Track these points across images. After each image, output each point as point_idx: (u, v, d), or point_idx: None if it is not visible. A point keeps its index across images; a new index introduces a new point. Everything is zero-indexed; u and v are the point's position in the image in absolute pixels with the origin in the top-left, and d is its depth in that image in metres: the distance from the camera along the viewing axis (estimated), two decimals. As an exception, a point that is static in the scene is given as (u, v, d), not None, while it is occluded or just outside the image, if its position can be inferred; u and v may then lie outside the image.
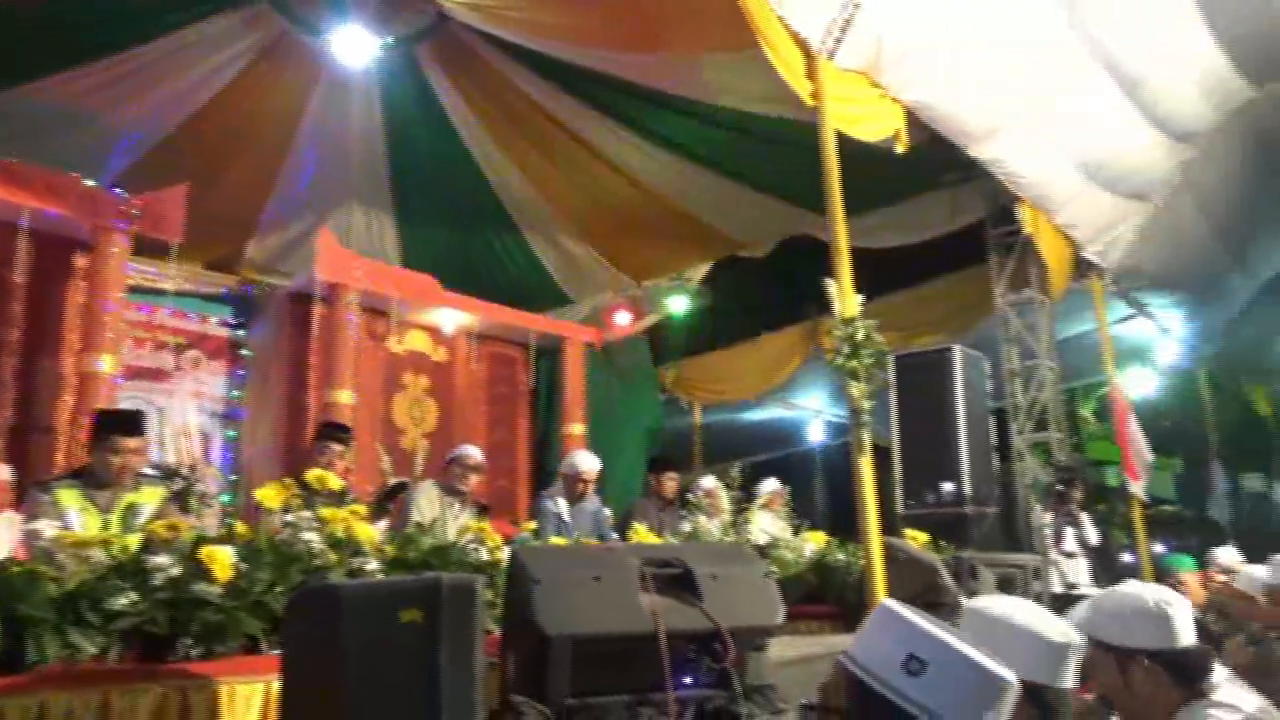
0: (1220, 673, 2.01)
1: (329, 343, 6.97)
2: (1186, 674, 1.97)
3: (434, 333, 8.03)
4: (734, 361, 9.88)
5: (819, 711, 1.31)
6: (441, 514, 3.68)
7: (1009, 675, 1.20)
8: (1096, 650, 2.04)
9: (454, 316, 7.97)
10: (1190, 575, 5.38)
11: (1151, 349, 10.79)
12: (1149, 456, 7.81)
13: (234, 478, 7.12)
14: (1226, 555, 6.14)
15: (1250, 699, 1.97)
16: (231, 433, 7.34)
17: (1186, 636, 1.99)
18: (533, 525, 4.21)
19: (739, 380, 9.92)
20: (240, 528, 2.58)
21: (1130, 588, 2.15)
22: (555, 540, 4.41)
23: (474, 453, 4.68)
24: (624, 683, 2.33)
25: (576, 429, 8.30)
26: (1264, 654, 3.62)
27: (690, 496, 4.58)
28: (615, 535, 4.95)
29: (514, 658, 2.38)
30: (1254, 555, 5.57)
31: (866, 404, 3.84)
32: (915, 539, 5.14)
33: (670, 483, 5.59)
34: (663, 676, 2.27)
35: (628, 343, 9.24)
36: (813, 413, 12.28)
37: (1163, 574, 5.92)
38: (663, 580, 2.41)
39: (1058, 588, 6.14)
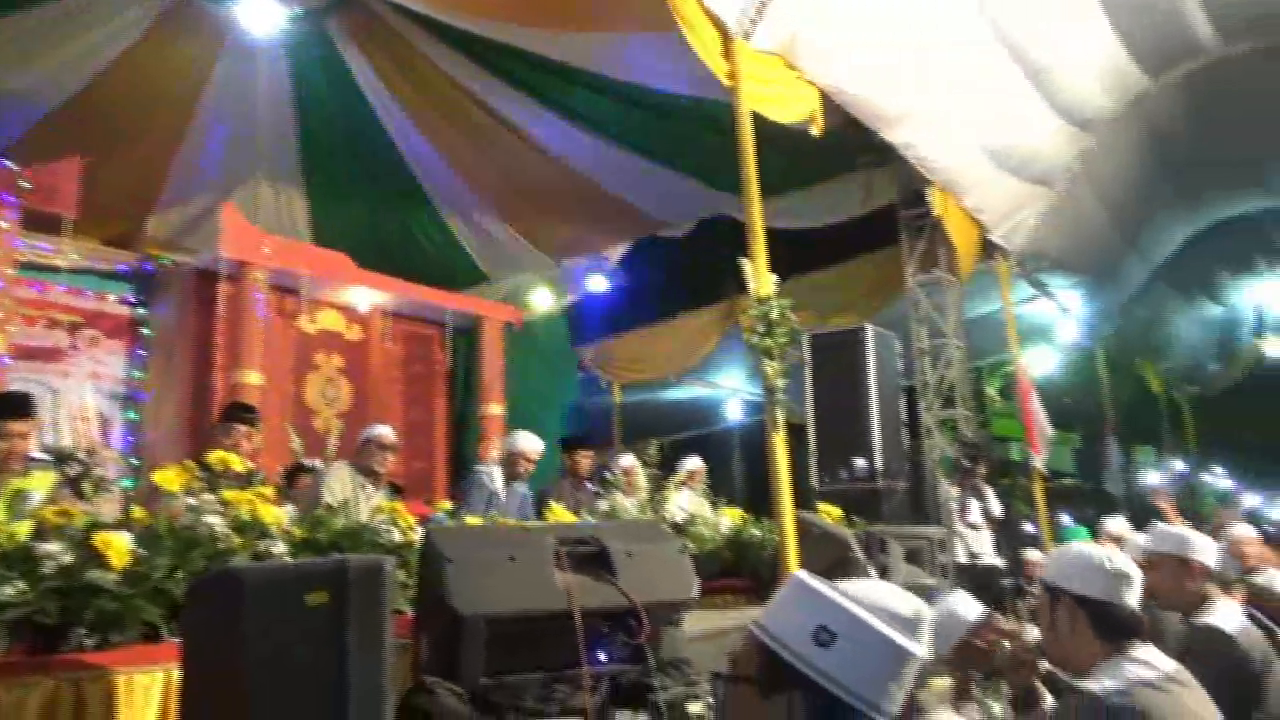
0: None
1: (236, 322, 6.75)
2: (1110, 627, 2.06)
3: (347, 311, 7.85)
4: (652, 341, 9.93)
5: (728, 680, 1.33)
6: (354, 495, 3.62)
7: (915, 647, 1.23)
8: (1043, 589, 2.20)
9: (368, 295, 7.80)
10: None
11: (1052, 328, 11.23)
12: (1049, 431, 8.15)
13: (136, 462, 6.85)
14: (1115, 525, 6.46)
15: (1168, 662, 2.07)
16: (133, 415, 7.06)
17: (1121, 595, 2.09)
18: (448, 505, 4.17)
19: (658, 359, 9.99)
20: (138, 512, 2.49)
21: (1096, 547, 2.28)
22: (479, 516, 4.37)
23: (388, 432, 4.60)
24: (539, 661, 2.33)
25: (495, 409, 8.24)
26: (1149, 619, 3.81)
27: (607, 475, 4.60)
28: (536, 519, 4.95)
29: (427, 638, 2.36)
30: (1144, 525, 5.88)
31: (781, 382, 3.90)
32: (829, 514, 5.25)
33: (585, 460, 5.60)
34: (578, 653, 2.28)
35: (546, 322, 9.20)
36: (730, 391, 12.44)
37: (1060, 544, 6.19)
38: (578, 558, 2.42)
39: (962, 558, 6.37)
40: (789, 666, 1.21)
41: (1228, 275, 12.00)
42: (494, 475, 5.22)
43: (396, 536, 2.85)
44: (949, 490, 6.67)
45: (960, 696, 2.71)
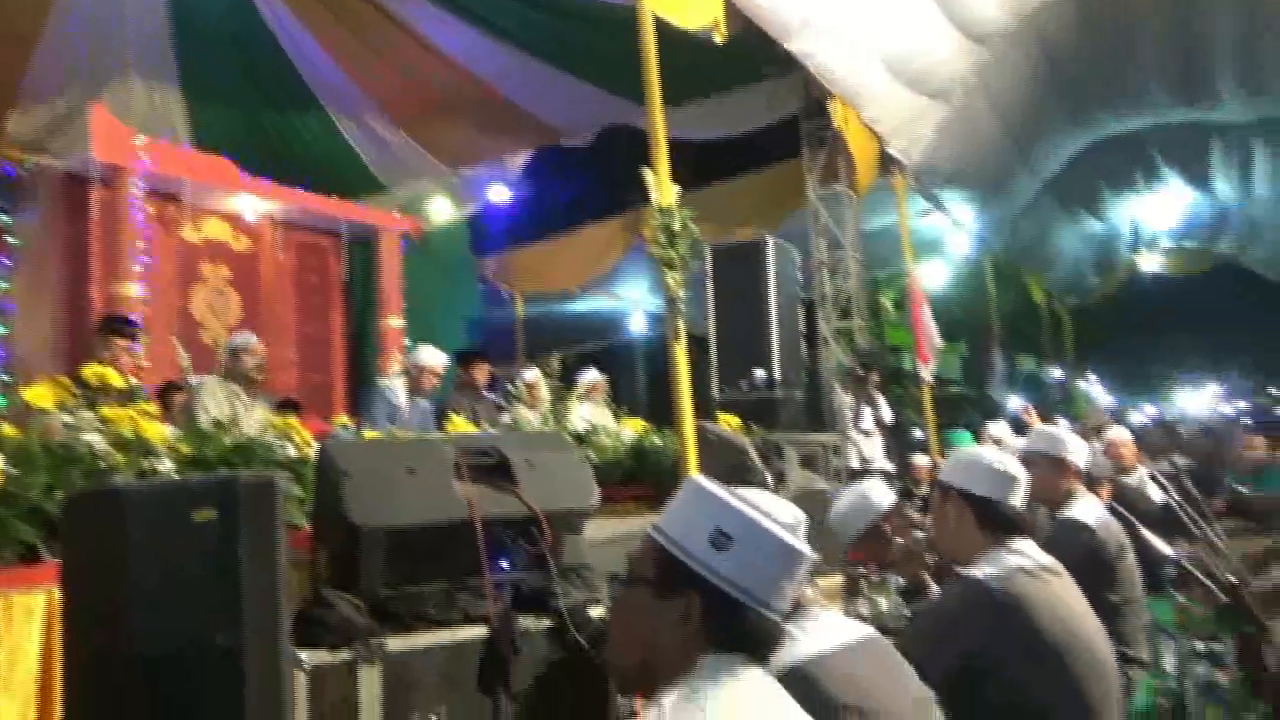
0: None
1: (111, 230, 6.36)
2: (993, 522, 2.23)
3: (234, 220, 7.48)
4: (555, 252, 9.83)
5: (625, 582, 1.36)
6: (232, 410, 3.50)
7: (806, 549, 1.28)
8: (936, 487, 2.37)
9: (255, 203, 7.44)
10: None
11: (945, 242, 11.57)
12: (938, 342, 8.45)
13: (6, 378, 6.48)
14: (996, 429, 6.81)
15: (1044, 555, 2.25)
16: (1, 329, 6.64)
17: (1007, 495, 2.24)
18: (345, 419, 4.09)
19: (561, 271, 9.91)
20: (8, 430, 2.36)
21: (992, 451, 2.43)
22: (381, 431, 4.31)
23: (253, 338, 4.46)
24: (441, 571, 2.33)
25: (395, 322, 8.06)
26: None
27: (510, 388, 4.58)
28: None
29: (325, 553, 2.34)
30: (1025, 429, 6.22)
31: (682, 293, 3.92)
32: (728, 423, 5.36)
33: (480, 372, 5.56)
34: (480, 562, 2.30)
35: (446, 233, 8.98)
36: (634, 304, 12.47)
37: (946, 448, 6.51)
38: (478, 469, 2.41)
39: (855, 463, 6.63)
40: (686, 569, 1.24)
41: (1109, 191, 12.49)
42: (396, 390, 5.14)
43: (291, 451, 2.79)
44: (844, 398, 6.89)
45: (850, 593, 2.86)
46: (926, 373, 8.25)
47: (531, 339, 10.40)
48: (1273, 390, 19.28)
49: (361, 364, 8.05)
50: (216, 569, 1.58)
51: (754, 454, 4.04)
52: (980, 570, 2.14)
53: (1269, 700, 1.95)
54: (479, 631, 2.26)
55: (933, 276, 12.65)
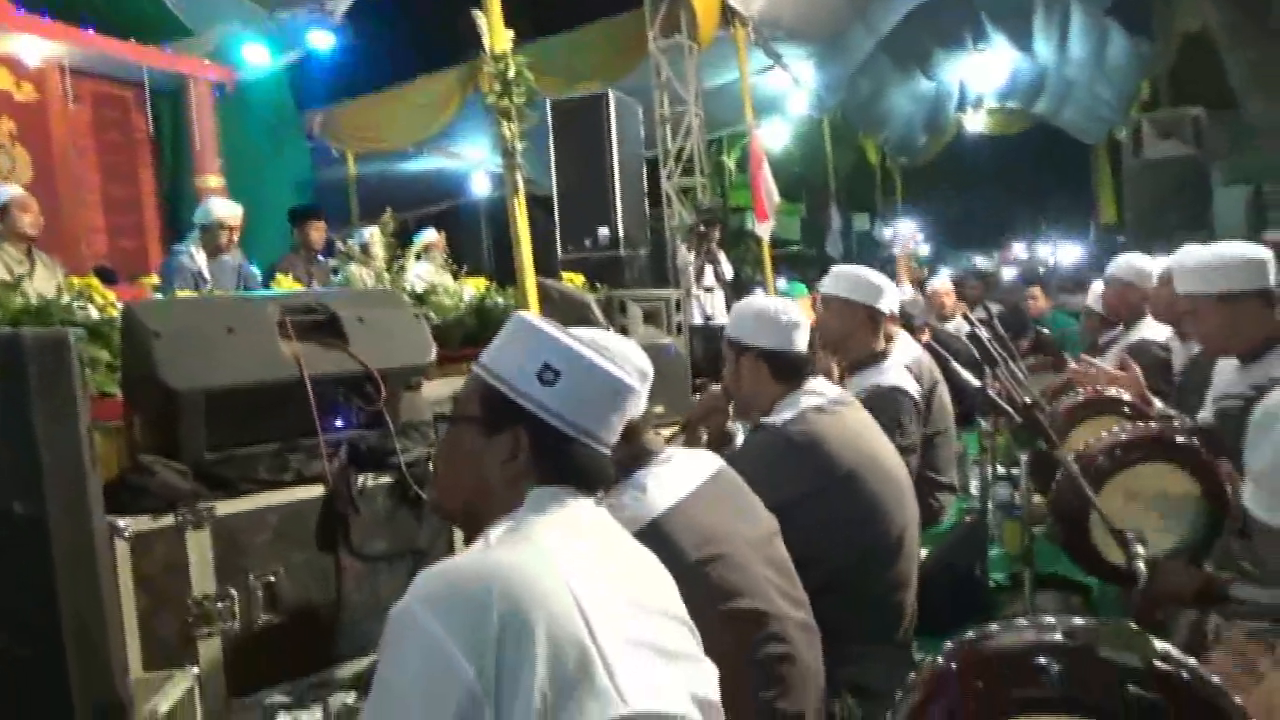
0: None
1: None
2: (786, 371, 2.33)
3: (13, 65, 6.61)
4: (388, 106, 9.25)
5: (451, 421, 1.34)
6: (10, 271, 3.18)
7: (633, 381, 1.28)
8: (726, 345, 2.43)
9: (37, 45, 6.59)
10: (803, 299, 6.18)
11: (785, 100, 11.64)
12: (777, 199, 8.61)
13: None
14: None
15: (834, 389, 2.39)
16: None
17: (794, 342, 2.34)
18: (154, 279, 3.80)
19: (394, 127, 9.36)
20: None
21: (762, 297, 2.49)
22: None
23: (18, 191, 4.07)
24: (270, 432, 2.24)
25: (213, 181, 7.46)
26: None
27: (341, 246, 4.36)
28: (264, 292, 4.64)
29: (140, 419, 2.20)
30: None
31: (520, 145, 3.78)
32: (572, 281, 5.33)
33: (315, 233, 5.28)
34: (312, 421, 2.22)
35: (264, 84, 8.27)
36: (475, 164, 12.04)
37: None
38: (305, 326, 2.30)
39: (698, 319, 6.78)
40: (513, 404, 1.23)
41: (940, 51, 12.81)
42: (194, 254, 4.79)
43: (93, 314, 2.57)
44: (686, 256, 6.97)
45: (689, 445, 2.97)
46: (765, 231, 8.43)
47: (367, 200, 9.88)
48: (1071, 243, 20.86)
49: (178, 228, 7.47)
50: (7, 433, 1.45)
51: (597, 310, 4.04)
52: (778, 417, 2.28)
53: (1053, 511, 2.17)
54: (315, 491, 2.21)
55: (773, 136, 12.78)
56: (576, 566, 1.13)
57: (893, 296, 3.35)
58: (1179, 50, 10.11)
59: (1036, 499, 2.48)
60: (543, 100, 6.66)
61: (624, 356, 1.80)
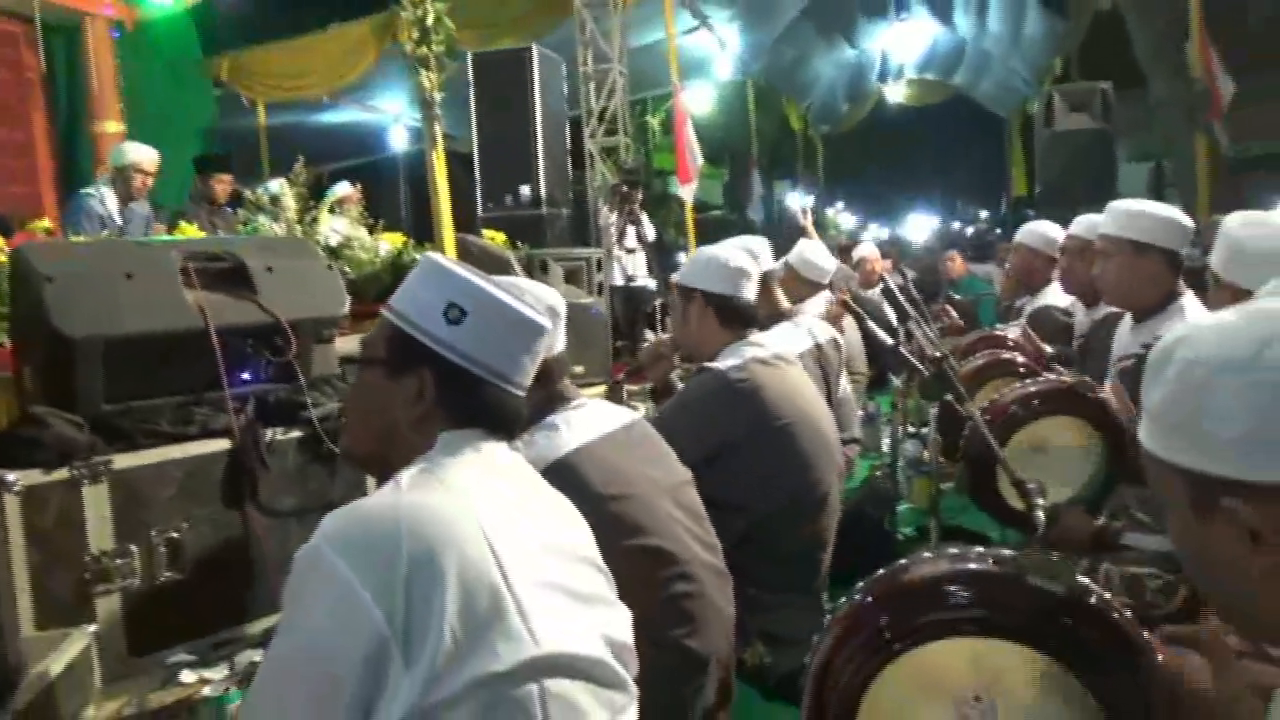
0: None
1: None
2: (732, 317, 2.38)
3: (-112, -5, 6.16)
4: (300, 54, 8.89)
5: (360, 364, 1.31)
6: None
7: (543, 320, 1.26)
8: (676, 289, 2.47)
9: (-86, -26, 6.14)
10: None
11: (711, 63, 11.61)
12: (700, 161, 8.59)
13: None
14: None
15: (778, 345, 2.48)
16: None
17: (742, 290, 2.36)
18: (45, 223, 3.59)
19: (308, 76, 9.01)
20: None
21: (724, 247, 2.50)
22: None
23: None
24: (173, 384, 2.16)
25: (111, 126, 7.09)
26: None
27: (249, 195, 4.19)
28: (167, 242, 4.42)
29: (31, 369, 2.09)
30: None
31: (439, 95, 3.69)
32: (493, 239, 5.25)
33: (221, 185, 5.07)
34: (217, 374, 2.14)
35: (168, 25, 7.86)
36: (394, 117, 11.72)
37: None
38: (211, 274, 2.21)
39: (619, 280, 6.76)
40: (419, 345, 1.20)
41: (864, 19, 12.92)
42: (104, 197, 4.55)
43: (-20, 260, 2.42)
44: (608, 216, 6.92)
45: (613, 400, 2.98)
46: (688, 193, 8.41)
47: (278, 152, 9.52)
48: (984, 213, 21.47)
49: (74, 174, 7.09)
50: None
51: (517, 267, 4.00)
52: (723, 363, 2.30)
53: (964, 460, 2.25)
54: (222, 445, 2.14)
55: (698, 100, 12.76)
56: (490, 508, 1.11)
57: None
58: (1090, 28, 10.42)
59: (942, 459, 2.56)
60: (463, 53, 6.50)
61: (536, 297, 1.79)
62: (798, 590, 2.27)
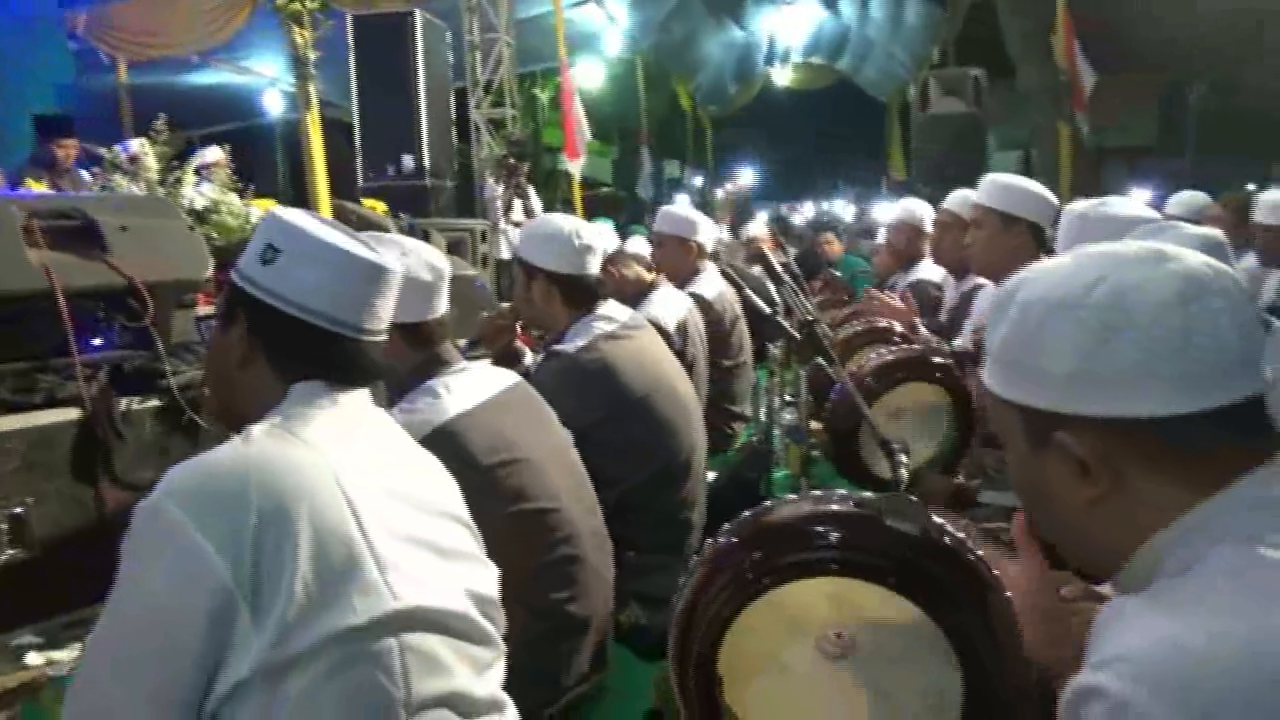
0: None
1: None
2: (578, 296, 2.33)
3: None
4: (166, 9, 8.39)
5: (211, 322, 1.26)
6: None
7: (373, 257, 1.21)
8: (517, 265, 2.41)
9: None
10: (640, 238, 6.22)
11: (600, 38, 11.54)
12: (588, 136, 8.56)
13: None
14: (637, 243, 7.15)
15: (626, 312, 2.47)
16: None
17: (587, 267, 2.34)
18: None
19: (174, 33, 8.51)
20: None
21: (557, 217, 2.46)
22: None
23: None
24: (16, 349, 2.02)
25: (-48, 80, 6.57)
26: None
27: (105, 153, 3.92)
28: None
29: None
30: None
31: (313, 55, 3.55)
32: (374, 209, 5.11)
33: (63, 150, 4.74)
34: (65, 339, 2.02)
35: (16, -27, 7.32)
36: (269, 81, 11.20)
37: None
38: (57, 233, 2.07)
39: (505, 254, 6.68)
40: (236, 289, 1.18)
41: (751, 1, 13.08)
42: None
43: None
44: (494, 188, 6.83)
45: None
46: (576, 168, 8.37)
47: (142, 114, 8.92)
48: (863, 194, 22.13)
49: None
50: None
51: (396, 233, 3.89)
52: (570, 344, 2.29)
53: (827, 427, 2.31)
54: (70, 415, 2.02)
55: (588, 76, 12.67)
56: (344, 460, 1.09)
57: (707, 231, 3.45)
58: (966, 17, 10.82)
59: (814, 424, 2.64)
60: (342, 14, 6.27)
61: (417, 254, 1.75)
62: (671, 552, 2.30)
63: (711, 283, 3.68)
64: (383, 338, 1.24)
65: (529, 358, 2.60)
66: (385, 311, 1.23)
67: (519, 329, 2.65)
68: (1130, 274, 0.80)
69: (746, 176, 22.25)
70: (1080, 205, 2.12)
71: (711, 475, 2.65)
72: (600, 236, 2.46)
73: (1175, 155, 10.07)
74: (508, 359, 2.57)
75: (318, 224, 1.20)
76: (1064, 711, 0.74)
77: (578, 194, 8.75)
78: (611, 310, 2.41)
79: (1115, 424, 0.80)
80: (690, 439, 2.40)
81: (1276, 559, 0.72)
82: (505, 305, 2.76)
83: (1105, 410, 0.80)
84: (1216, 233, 1.47)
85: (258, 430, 1.08)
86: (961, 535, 1.10)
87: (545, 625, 1.77)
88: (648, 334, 2.49)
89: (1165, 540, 0.80)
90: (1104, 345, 0.79)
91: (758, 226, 7.11)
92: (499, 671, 1.23)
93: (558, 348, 2.33)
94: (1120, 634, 0.74)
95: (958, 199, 3.40)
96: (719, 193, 18.90)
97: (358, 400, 1.20)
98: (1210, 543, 0.77)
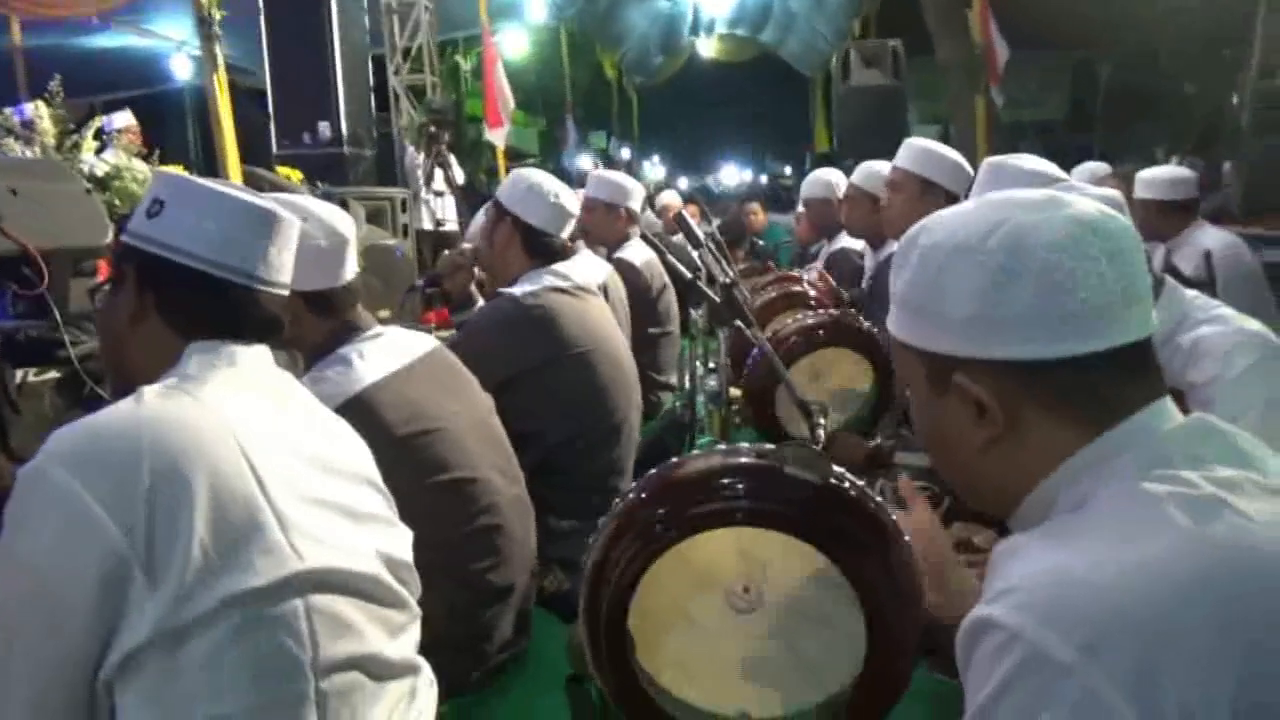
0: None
1: None
2: (538, 249, 2.36)
3: None
4: (61, -34, 7.96)
5: (109, 283, 1.22)
6: None
7: (259, 203, 1.18)
8: (492, 204, 2.42)
9: None
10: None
11: (524, 5, 11.34)
12: (511, 105, 8.43)
13: None
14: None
15: (585, 276, 2.47)
16: None
17: (559, 228, 2.38)
18: None
19: (70, -9, 8.08)
20: None
21: (544, 176, 2.44)
22: None
23: None
24: (-103, 320, 1.92)
25: None
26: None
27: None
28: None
29: None
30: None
31: (217, 15, 3.41)
32: (288, 177, 4.96)
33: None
34: (-51, 301, 1.92)
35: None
36: (176, 45, 10.74)
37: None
38: (-61, 196, 1.97)
39: (428, 224, 6.57)
40: (123, 245, 1.16)
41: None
42: None
43: None
44: (415, 157, 6.70)
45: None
46: (499, 138, 8.25)
47: (39, 79, 8.46)
48: (788, 167, 22.36)
49: None
50: None
51: (303, 198, 3.78)
52: (519, 289, 2.27)
53: (745, 389, 2.34)
54: (-40, 388, 1.92)
55: (512, 44, 12.47)
56: (246, 419, 1.06)
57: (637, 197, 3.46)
58: (887, -8, 10.93)
59: (734, 391, 2.66)
60: (253, -25, 6.05)
61: (318, 215, 1.70)
62: (596, 517, 2.29)
63: (638, 250, 3.67)
64: (283, 291, 1.21)
65: (480, 301, 2.58)
66: (281, 262, 1.19)
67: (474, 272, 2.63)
68: (1026, 217, 0.82)
69: (670, 148, 22.27)
70: (996, 158, 2.18)
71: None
72: (576, 205, 2.45)
73: (1086, 130, 10.39)
74: (462, 299, 2.55)
75: (209, 180, 1.17)
76: (960, 645, 0.76)
77: (502, 163, 8.63)
78: (568, 269, 2.39)
79: (1011, 366, 0.82)
80: (625, 404, 2.40)
81: (1158, 492, 0.75)
82: (467, 246, 2.73)
83: (1002, 353, 0.82)
84: (1115, 193, 1.52)
85: (150, 390, 1.04)
86: (862, 484, 1.13)
87: (467, 594, 1.76)
88: (596, 299, 2.49)
89: (1059, 479, 0.83)
90: (1001, 288, 0.81)
91: (670, 196, 7.13)
92: (413, 634, 1.22)
93: (505, 290, 2.31)
94: (1012, 568, 0.76)
95: (863, 173, 3.46)
96: (645, 164, 18.88)
97: (259, 358, 1.17)
98: (1101, 481, 0.79)
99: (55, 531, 0.92)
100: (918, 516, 1.11)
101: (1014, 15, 8.05)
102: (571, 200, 2.42)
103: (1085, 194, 1.60)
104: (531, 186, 2.37)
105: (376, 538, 1.17)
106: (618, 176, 3.90)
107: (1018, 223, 0.82)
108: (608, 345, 2.39)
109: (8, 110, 3.91)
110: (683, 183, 18.86)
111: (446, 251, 2.69)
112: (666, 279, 3.77)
